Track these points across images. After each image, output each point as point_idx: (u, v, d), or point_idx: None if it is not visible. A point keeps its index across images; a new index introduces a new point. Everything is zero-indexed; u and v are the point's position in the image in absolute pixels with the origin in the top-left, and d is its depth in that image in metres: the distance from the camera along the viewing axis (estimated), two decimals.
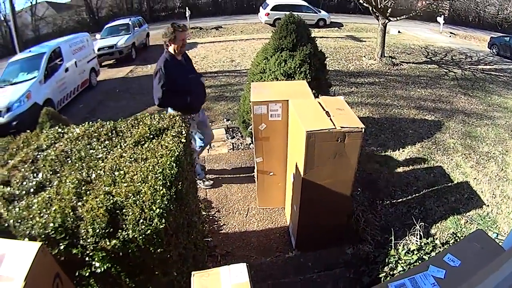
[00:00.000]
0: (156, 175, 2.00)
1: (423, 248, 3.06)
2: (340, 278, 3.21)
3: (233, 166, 5.08)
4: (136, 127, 2.58)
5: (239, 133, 6.06)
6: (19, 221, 1.79)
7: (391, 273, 2.92)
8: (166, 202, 1.87)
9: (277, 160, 3.69)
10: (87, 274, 1.77)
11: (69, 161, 2.24)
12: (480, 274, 1.19)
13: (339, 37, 17.20)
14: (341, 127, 2.77)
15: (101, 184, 2.00)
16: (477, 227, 3.89)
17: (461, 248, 2.01)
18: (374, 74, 10.71)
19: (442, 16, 20.05)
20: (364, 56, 12.76)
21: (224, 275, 1.61)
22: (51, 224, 1.71)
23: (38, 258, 1.44)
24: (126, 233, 1.72)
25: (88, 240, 1.71)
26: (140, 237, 1.72)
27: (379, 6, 11.40)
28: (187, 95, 3.83)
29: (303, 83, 3.81)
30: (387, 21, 11.75)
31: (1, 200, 1.95)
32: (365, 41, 15.99)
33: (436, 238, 3.30)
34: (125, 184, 1.96)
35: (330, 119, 2.88)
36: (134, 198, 1.86)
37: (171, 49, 3.81)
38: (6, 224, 1.79)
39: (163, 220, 1.79)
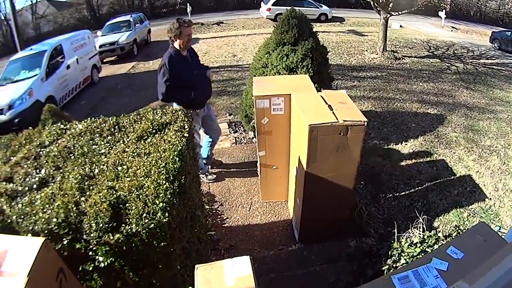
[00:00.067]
0: (159, 170, 2.00)
1: (426, 241, 3.06)
2: (343, 271, 3.22)
3: (236, 160, 5.08)
4: (139, 122, 2.58)
5: (241, 128, 6.05)
6: (22, 217, 1.79)
7: (394, 265, 2.93)
8: (169, 196, 1.87)
9: (280, 154, 3.69)
10: (91, 268, 1.77)
11: (72, 157, 2.25)
12: (483, 267, 1.19)
13: (340, 32, 17.09)
14: (344, 121, 2.76)
15: (104, 179, 2.00)
16: (479, 220, 3.88)
17: (464, 240, 2.01)
18: (376, 68, 10.66)
19: (444, 10, 19.90)
20: (366, 50, 12.70)
21: (227, 268, 1.62)
22: (54, 220, 1.72)
23: (41, 254, 1.44)
24: (129, 227, 1.73)
25: (92, 235, 1.71)
26: (144, 231, 1.73)
27: (380, 1, 11.33)
28: (191, 90, 3.82)
29: (305, 77, 3.80)
30: (388, 15, 11.67)
31: (4, 196, 1.95)
32: (367, 36, 15.90)
33: (439, 231, 3.31)
34: (128, 179, 1.97)
35: (333, 112, 2.87)
36: (137, 193, 1.87)
37: (176, 44, 3.79)
38: (9, 220, 1.80)
39: (166, 214, 1.79)
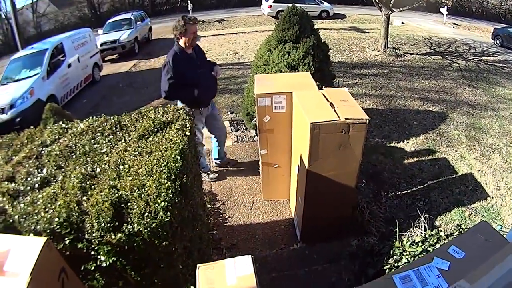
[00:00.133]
0: (161, 169, 2.00)
1: (428, 240, 3.05)
2: (345, 270, 3.21)
3: (238, 159, 5.08)
4: (140, 121, 2.58)
5: (243, 126, 6.05)
6: (24, 216, 1.79)
7: (395, 265, 2.92)
8: (171, 195, 1.87)
9: (281, 152, 3.68)
10: (93, 268, 1.78)
11: (74, 156, 2.25)
12: (484, 266, 1.19)
13: (342, 29, 17.05)
14: (346, 119, 2.75)
15: (106, 178, 2.00)
16: (481, 219, 3.87)
17: (466, 240, 2.00)
18: (378, 65, 10.62)
19: (446, 7, 19.77)
20: (367, 48, 12.65)
21: (229, 267, 1.62)
22: (56, 219, 1.72)
23: (43, 253, 1.45)
24: (131, 226, 1.73)
25: (93, 234, 1.71)
26: (145, 230, 1.73)
27: None
28: (194, 88, 3.81)
29: (307, 75, 3.79)
30: (390, 12, 11.61)
31: (6, 196, 1.95)
32: (368, 33, 15.85)
33: (441, 230, 3.29)
34: (130, 178, 1.97)
35: (335, 110, 2.86)
36: (139, 192, 1.87)
37: (181, 42, 3.77)
38: (11, 220, 1.80)
39: (168, 213, 1.79)
